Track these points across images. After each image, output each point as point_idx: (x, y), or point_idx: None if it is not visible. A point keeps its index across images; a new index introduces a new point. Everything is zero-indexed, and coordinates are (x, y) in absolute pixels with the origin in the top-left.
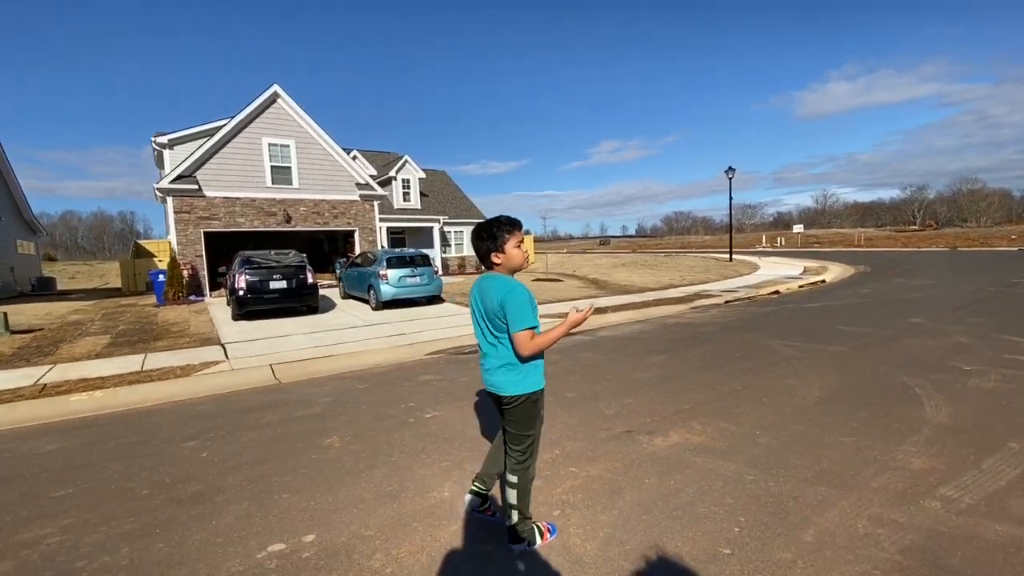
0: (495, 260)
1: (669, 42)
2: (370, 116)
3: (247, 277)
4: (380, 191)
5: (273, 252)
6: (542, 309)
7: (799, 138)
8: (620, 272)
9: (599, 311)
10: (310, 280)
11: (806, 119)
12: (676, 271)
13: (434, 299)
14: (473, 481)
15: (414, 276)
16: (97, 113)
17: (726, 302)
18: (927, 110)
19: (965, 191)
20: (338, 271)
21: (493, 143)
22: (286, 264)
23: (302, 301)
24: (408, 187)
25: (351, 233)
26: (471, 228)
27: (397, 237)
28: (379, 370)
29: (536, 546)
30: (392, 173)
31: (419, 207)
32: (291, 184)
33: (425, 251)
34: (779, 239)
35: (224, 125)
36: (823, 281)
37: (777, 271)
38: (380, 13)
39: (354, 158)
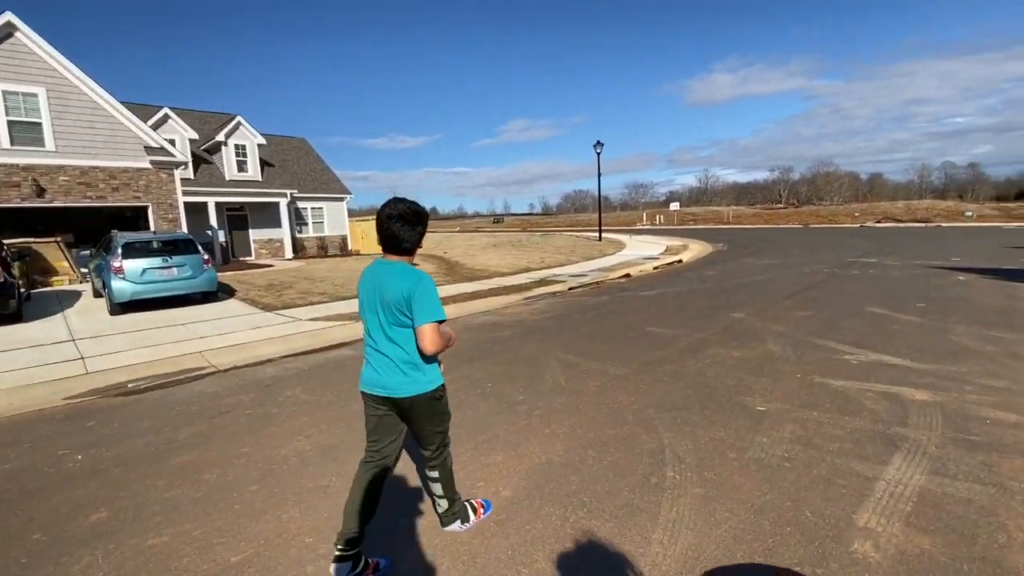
0: (414, 250)
1: (573, 26)
2: (261, 89)
3: None
4: (180, 156)
5: None
6: None
7: (689, 123)
8: (485, 254)
9: None
10: None
11: (695, 106)
12: (542, 252)
13: (211, 296)
14: (335, 544)
15: (167, 267)
16: None
17: (570, 288)
18: (793, 102)
19: (822, 173)
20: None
21: (404, 117)
22: None
23: None
24: (244, 154)
25: (144, 210)
26: (334, 204)
27: (236, 215)
28: None
29: (471, 522)
30: (220, 137)
31: (260, 179)
32: (43, 146)
33: (183, 234)
34: (658, 216)
35: None
36: (680, 261)
37: (640, 251)
38: None
39: (164, 118)
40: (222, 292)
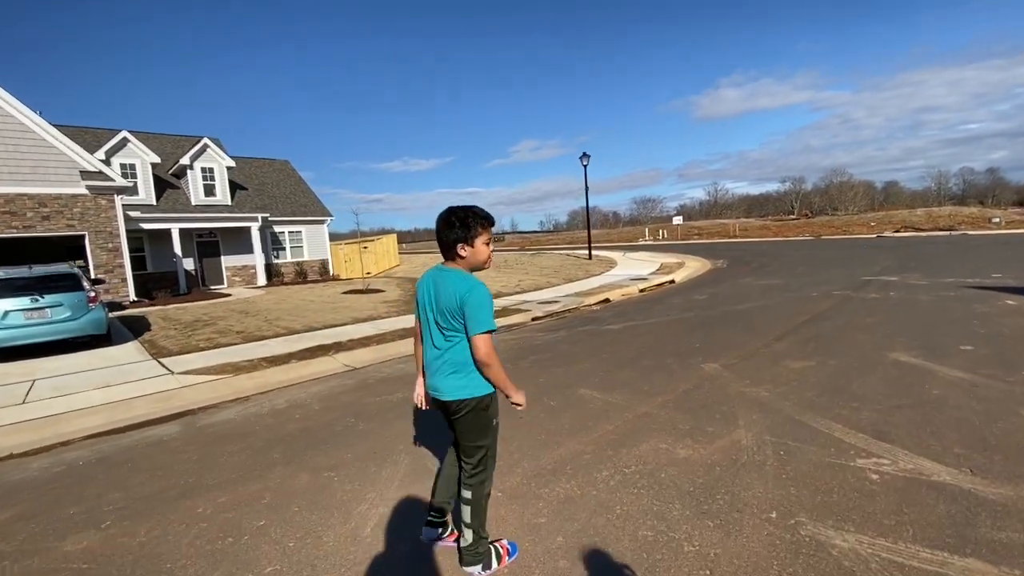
0: (461, 252)
1: (580, 49)
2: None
3: None
4: (121, 180)
5: None
6: (308, 337)
7: (698, 137)
8: None
9: (275, 363)
10: None
11: (703, 120)
12: (524, 273)
13: (102, 339)
14: (428, 512)
15: (38, 309)
16: None
17: (532, 319)
18: (802, 114)
19: (836, 183)
20: None
21: (418, 141)
22: None
23: None
24: (212, 178)
25: (80, 239)
26: (313, 228)
27: (207, 241)
28: None
29: (493, 569)
30: (186, 161)
31: (229, 202)
32: None
33: (65, 267)
34: (661, 231)
35: None
36: (671, 282)
37: (630, 270)
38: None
39: (122, 143)
40: (129, 332)
